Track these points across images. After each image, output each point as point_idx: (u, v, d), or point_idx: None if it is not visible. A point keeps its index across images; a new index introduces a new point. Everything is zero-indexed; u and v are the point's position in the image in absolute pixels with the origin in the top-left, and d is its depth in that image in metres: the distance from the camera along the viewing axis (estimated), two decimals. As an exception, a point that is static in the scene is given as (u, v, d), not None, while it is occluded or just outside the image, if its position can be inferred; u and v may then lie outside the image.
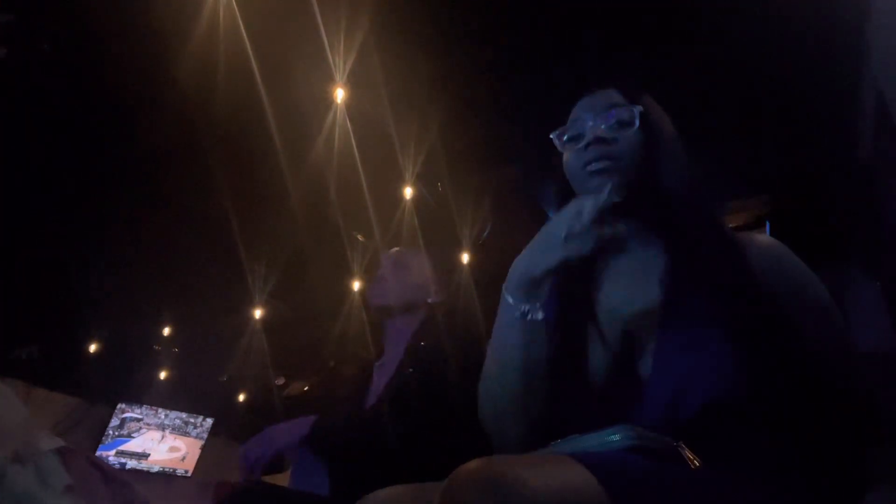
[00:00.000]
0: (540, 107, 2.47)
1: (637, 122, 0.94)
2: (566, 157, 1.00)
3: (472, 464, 0.61)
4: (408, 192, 3.54)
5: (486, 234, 3.87)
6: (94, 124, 2.98)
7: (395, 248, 1.67)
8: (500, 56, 2.67)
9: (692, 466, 0.71)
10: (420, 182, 3.38)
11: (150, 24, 2.44)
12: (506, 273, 0.93)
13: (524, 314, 0.83)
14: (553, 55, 2.52)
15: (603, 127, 0.94)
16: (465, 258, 3.92)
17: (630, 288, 0.92)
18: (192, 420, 6.58)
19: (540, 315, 0.83)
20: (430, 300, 1.51)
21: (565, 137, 1.00)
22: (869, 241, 3.13)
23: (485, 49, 2.64)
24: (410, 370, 1.29)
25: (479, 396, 0.92)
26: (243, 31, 2.49)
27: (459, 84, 2.79)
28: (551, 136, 1.01)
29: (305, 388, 6.60)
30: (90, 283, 4.17)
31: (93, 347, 5.11)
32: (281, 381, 6.34)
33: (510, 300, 0.85)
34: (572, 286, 0.96)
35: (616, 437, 0.72)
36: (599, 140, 0.93)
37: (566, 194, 1.00)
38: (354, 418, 1.32)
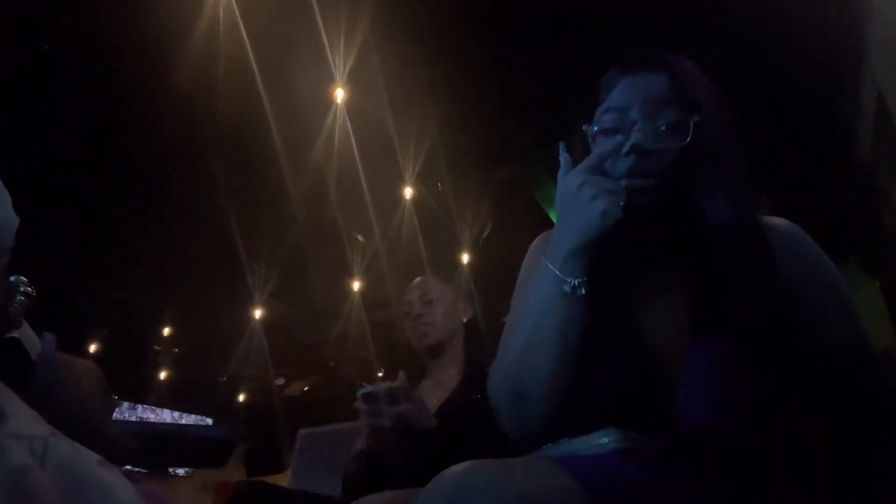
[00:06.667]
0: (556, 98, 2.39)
1: (690, 136, 0.79)
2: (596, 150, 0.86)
3: (455, 467, 0.61)
4: (408, 192, 3.54)
5: (485, 234, 3.87)
6: (94, 124, 2.98)
7: (416, 280, 1.72)
8: (500, 56, 2.67)
9: (683, 469, 0.70)
10: (420, 182, 3.38)
11: (151, 24, 2.44)
12: (506, 274, 0.92)
13: (574, 288, 0.75)
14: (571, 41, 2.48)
15: (650, 132, 0.79)
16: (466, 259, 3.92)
17: (659, 302, 0.84)
18: (190, 419, 6.58)
19: (584, 291, 0.75)
20: (464, 320, 1.62)
21: (595, 128, 0.84)
22: (869, 241, 3.13)
23: (485, 49, 2.64)
24: (478, 395, 1.28)
25: (491, 378, 0.84)
26: (243, 31, 2.49)
27: (459, 84, 2.79)
28: (584, 128, 0.86)
29: (305, 388, 6.61)
30: (91, 282, 4.17)
31: (93, 347, 5.10)
32: (281, 382, 6.34)
33: (557, 272, 0.76)
34: (604, 280, 0.84)
35: (605, 441, 0.73)
36: (642, 151, 0.78)
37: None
38: (410, 436, 1.31)
